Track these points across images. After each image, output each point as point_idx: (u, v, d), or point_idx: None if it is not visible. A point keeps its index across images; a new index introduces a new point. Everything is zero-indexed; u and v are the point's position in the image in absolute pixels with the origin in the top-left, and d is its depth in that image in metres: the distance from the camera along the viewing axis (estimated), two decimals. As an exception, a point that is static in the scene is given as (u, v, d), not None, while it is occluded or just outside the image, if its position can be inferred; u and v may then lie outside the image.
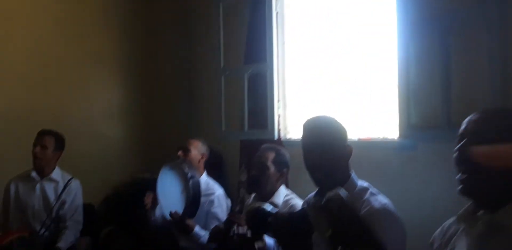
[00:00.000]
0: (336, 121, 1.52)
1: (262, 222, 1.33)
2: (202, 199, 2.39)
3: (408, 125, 2.03)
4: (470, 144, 0.96)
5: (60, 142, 2.73)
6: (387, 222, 1.32)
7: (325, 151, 1.43)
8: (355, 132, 2.44)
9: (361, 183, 1.50)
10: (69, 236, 2.58)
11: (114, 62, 3.68)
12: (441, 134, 1.84)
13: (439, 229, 1.15)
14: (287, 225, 1.25)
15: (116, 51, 3.66)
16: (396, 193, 1.96)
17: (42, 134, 2.69)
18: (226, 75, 3.37)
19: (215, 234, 1.95)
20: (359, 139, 2.38)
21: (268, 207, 1.42)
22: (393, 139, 2.19)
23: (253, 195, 2.25)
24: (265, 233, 1.39)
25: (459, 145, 1.00)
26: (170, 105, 3.84)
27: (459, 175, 0.99)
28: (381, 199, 1.41)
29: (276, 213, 1.38)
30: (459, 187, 0.99)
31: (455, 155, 1.01)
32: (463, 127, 1.03)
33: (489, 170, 0.91)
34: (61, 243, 2.49)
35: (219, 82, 3.37)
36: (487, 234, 0.94)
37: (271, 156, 2.09)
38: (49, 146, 2.65)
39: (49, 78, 3.30)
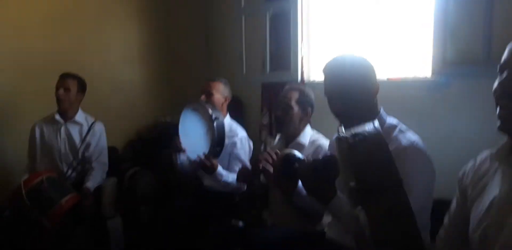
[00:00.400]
0: (359, 58, 1.45)
1: (289, 168, 1.33)
2: (226, 141, 2.40)
3: (443, 61, 1.92)
4: None
5: (82, 85, 2.71)
6: (415, 160, 1.28)
7: (348, 89, 1.39)
8: (384, 72, 2.35)
9: (391, 120, 1.46)
10: (96, 177, 2.63)
11: (132, 5, 3.57)
12: (479, 69, 1.73)
13: (470, 164, 1.09)
14: (312, 171, 1.24)
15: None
16: (428, 133, 1.92)
17: (65, 76, 2.66)
18: (246, 15, 3.22)
19: (243, 172, 2.01)
20: (388, 79, 2.27)
21: (296, 153, 1.41)
22: (425, 77, 2.08)
23: (278, 136, 2.23)
24: (293, 178, 1.38)
25: (502, 78, 0.90)
26: (190, 48, 3.75)
27: (500, 110, 0.90)
28: (410, 136, 1.36)
29: (303, 159, 1.36)
30: (499, 124, 0.90)
31: (495, 88, 0.91)
32: (505, 57, 0.91)
33: None
34: (89, 184, 2.55)
35: (239, 23, 3.23)
36: None
37: (295, 95, 2.05)
38: (72, 88, 2.64)
39: (67, 23, 3.24)
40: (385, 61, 2.42)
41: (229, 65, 3.43)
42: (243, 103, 3.34)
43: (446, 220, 1.15)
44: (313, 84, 2.76)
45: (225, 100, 2.54)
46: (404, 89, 2.14)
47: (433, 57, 2.01)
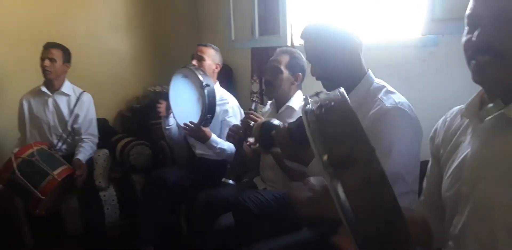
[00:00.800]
0: (332, 23, 1.39)
1: (267, 136, 1.31)
2: (216, 109, 2.37)
3: (431, 19, 1.86)
4: (490, 29, 0.81)
5: (67, 54, 2.65)
6: (398, 122, 1.25)
7: (325, 54, 1.35)
8: (373, 33, 2.29)
9: (377, 81, 1.43)
10: (86, 149, 2.62)
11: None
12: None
13: (440, 122, 1.07)
14: (288, 135, 1.23)
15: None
16: (418, 93, 1.90)
17: (49, 47, 2.60)
18: (233, -23, 3.10)
19: (232, 133, 1.99)
20: (377, 39, 2.22)
21: (272, 121, 1.40)
22: (414, 36, 2.04)
23: (269, 102, 2.20)
24: (271, 146, 1.37)
25: (476, 33, 0.82)
26: (178, 15, 3.65)
27: (476, 64, 0.84)
28: (394, 98, 1.32)
29: (278, 125, 1.36)
30: (473, 75, 0.86)
31: (468, 44, 0.85)
32: (476, 7, 0.84)
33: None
34: (80, 156, 2.54)
35: (226, -14, 3.12)
36: (496, 128, 0.85)
37: (285, 59, 2.01)
38: (57, 58, 2.58)
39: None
40: (374, 22, 2.35)
41: (218, 31, 3.35)
42: (232, 70, 3.29)
43: (424, 181, 1.14)
44: (303, 48, 2.69)
45: (216, 67, 2.49)
46: (393, 49, 2.10)
47: (422, 15, 1.95)
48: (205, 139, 2.20)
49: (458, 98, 1.14)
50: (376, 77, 1.48)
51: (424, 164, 1.77)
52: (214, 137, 2.23)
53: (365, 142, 0.65)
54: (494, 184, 0.83)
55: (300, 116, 1.22)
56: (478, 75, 0.85)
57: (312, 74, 1.42)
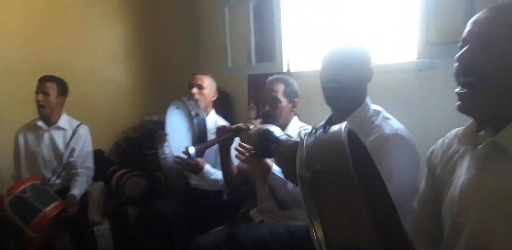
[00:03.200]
0: (355, 47, 1.49)
1: (266, 147, 1.18)
2: (211, 137, 2.32)
3: (426, 42, 1.83)
4: (474, 51, 0.83)
5: (62, 87, 2.63)
6: (398, 148, 1.26)
7: (346, 76, 1.41)
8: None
9: (375, 107, 1.46)
10: (82, 183, 2.57)
11: (115, 3, 3.49)
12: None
13: (439, 143, 1.07)
14: (291, 153, 1.13)
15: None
16: (415, 116, 1.86)
17: (43, 80, 2.59)
18: (230, 6, 3.12)
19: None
20: (374, 63, 2.18)
21: (276, 131, 1.26)
22: (410, 60, 2.01)
23: None
24: (269, 157, 1.29)
25: (460, 53, 0.86)
26: (175, 45, 3.67)
27: (460, 89, 0.86)
28: (393, 124, 1.34)
29: (282, 139, 1.21)
30: (458, 103, 0.87)
31: (455, 65, 0.87)
32: (466, 29, 0.87)
33: (496, 83, 0.80)
34: (75, 191, 2.49)
35: (222, 15, 3.14)
36: (489, 156, 0.84)
37: (281, 87, 1.99)
38: (51, 92, 2.57)
39: (48, 24, 3.18)
40: (370, 46, 2.32)
41: (215, 59, 3.35)
42: (230, 96, 3.26)
43: (415, 204, 1.12)
44: (299, 74, 2.67)
45: (213, 95, 2.49)
46: (390, 73, 2.07)
47: (418, 39, 1.92)
48: (198, 170, 2.16)
49: (455, 122, 1.11)
50: (373, 101, 1.51)
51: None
52: (207, 167, 2.19)
53: (368, 227, 0.56)
54: (490, 215, 0.82)
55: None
56: (461, 103, 0.86)
57: (325, 77, 1.44)
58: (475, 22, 0.85)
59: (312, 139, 0.70)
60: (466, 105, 0.86)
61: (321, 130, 0.71)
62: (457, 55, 0.86)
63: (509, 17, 0.82)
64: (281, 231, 1.77)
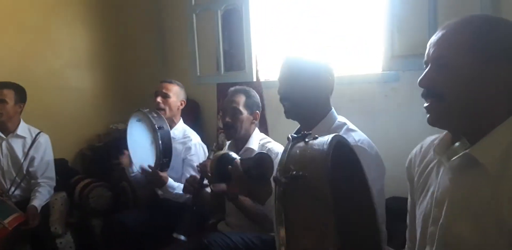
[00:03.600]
0: (311, 58, 1.47)
1: (223, 169, 1.25)
2: (179, 147, 2.32)
3: (391, 55, 1.90)
4: (431, 74, 0.87)
5: (20, 94, 2.53)
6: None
7: (296, 88, 1.42)
8: (335, 68, 2.30)
9: (340, 119, 1.48)
10: (43, 194, 2.47)
11: (79, 6, 3.38)
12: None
13: (415, 151, 1.08)
14: (244, 171, 1.20)
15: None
16: (380, 127, 1.90)
17: (0, 87, 2.48)
18: (197, 13, 3.11)
19: (188, 185, 1.88)
20: (340, 75, 2.22)
21: (231, 154, 1.36)
22: (375, 72, 2.07)
23: (228, 142, 2.14)
24: (228, 180, 1.30)
25: (420, 77, 0.89)
26: (141, 51, 3.60)
27: (427, 105, 0.90)
28: (354, 136, 1.36)
29: (236, 160, 1.31)
30: (427, 116, 0.90)
31: (419, 84, 0.90)
32: (426, 51, 0.91)
33: (454, 101, 0.84)
34: (36, 202, 2.40)
35: (190, 22, 3.12)
36: (463, 168, 0.87)
37: (242, 99, 1.99)
38: (8, 99, 2.47)
39: (8, 27, 3.04)
40: (336, 57, 2.38)
41: (183, 66, 3.32)
42: (199, 105, 3.24)
43: (408, 219, 1.13)
44: (268, 83, 2.69)
45: (181, 104, 2.45)
46: (356, 84, 2.13)
47: (383, 52, 1.99)
48: (161, 184, 2.13)
49: (421, 133, 1.15)
50: (339, 112, 1.53)
51: (395, 200, 1.75)
52: (170, 182, 2.16)
53: (333, 237, 0.56)
54: (461, 225, 0.84)
55: (258, 153, 1.21)
56: (429, 116, 0.89)
57: (279, 92, 1.47)
58: (430, 44, 0.88)
59: (297, 145, 0.71)
60: (433, 119, 0.89)
61: (310, 138, 0.73)
62: (418, 79, 0.90)
63: (458, 37, 0.85)
64: (254, 240, 1.74)
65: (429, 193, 0.95)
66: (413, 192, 1.07)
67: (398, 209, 1.26)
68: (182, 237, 1.80)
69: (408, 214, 1.12)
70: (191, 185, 1.86)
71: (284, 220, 0.58)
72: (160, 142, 1.97)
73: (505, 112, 0.84)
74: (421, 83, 0.88)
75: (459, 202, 0.85)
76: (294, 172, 0.62)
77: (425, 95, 0.89)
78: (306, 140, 0.71)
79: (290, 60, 1.48)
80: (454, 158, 0.87)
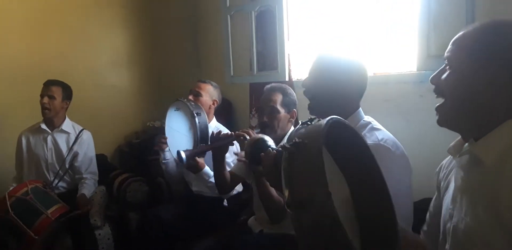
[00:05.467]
0: (339, 56, 1.42)
1: (257, 154, 1.23)
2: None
3: (427, 55, 1.88)
4: (440, 73, 0.92)
5: (67, 91, 2.67)
6: (380, 158, 1.17)
7: (317, 84, 1.39)
8: (370, 67, 2.29)
9: (366, 118, 1.42)
10: (90, 185, 2.63)
11: (118, 8, 3.52)
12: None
13: (446, 158, 1.11)
14: (274, 162, 1.20)
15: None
16: (414, 126, 1.88)
17: (49, 84, 2.63)
18: (232, 14, 3.17)
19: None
20: (374, 74, 2.22)
21: (268, 140, 1.30)
22: (411, 72, 2.04)
23: None
24: (258, 165, 1.31)
25: (433, 74, 0.94)
26: (178, 51, 3.70)
27: (438, 105, 0.94)
28: (378, 135, 1.31)
29: (270, 148, 1.26)
30: (437, 117, 0.94)
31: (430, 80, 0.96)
32: (447, 49, 0.93)
33: (462, 97, 0.87)
34: (85, 191, 2.56)
35: (225, 23, 3.18)
36: (468, 166, 0.91)
37: (279, 97, 1.96)
38: (56, 95, 2.61)
39: (51, 28, 3.20)
40: (371, 56, 2.37)
41: (217, 67, 3.39)
42: (232, 105, 3.30)
43: (427, 214, 1.16)
44: (300, 83, 2.70)
45: (213, 103, 2.49)
46: (390, 84, 2.10)
47: (418, 51, 1.97)
48: (197, 169, 2.10)
49: (455, 134, 1.13)
50: (373, 112, 1.49)
51: (428, 201, 1.72)
52: (207, 169, 2.15)
53: (323, 186, 0.68)
54: (470, 221, 0.87)
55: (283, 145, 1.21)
56: (438, 117, 0.94)
57: (303, 84, 1.44)
58: (450, 43, 0.92)
59: (304, 125, 0.85)
60: (440, 120, 0.93)
61: (316, 120, 0.85)
62: (432, 75, 0.95)
63: (465, 41, 0.88)
64: (282, 241, 1.72)
65: (448, 192, 0.99)
66: (438, 195, 1.10)
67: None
68: (183, 156, 1.77)
69: (428, 212, 1.15)
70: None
71: (287, 175, 0.74)
72: (197, 127, 1.97)
73: (505, 114, 0.86)
74: (430, 80, 0.94)
75: (467, 199, 0.89)
76: (296, 140, 0.77)
77: (435, 92, 0.93)
78: (312, 122, 0.84)
79: (322, 56, 1.45)
80: (458, 156, 0.93)
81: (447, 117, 0.92)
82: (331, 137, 0.84)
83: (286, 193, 0.72)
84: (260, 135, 1.37)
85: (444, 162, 1.11)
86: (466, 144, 0.93)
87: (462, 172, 0.93)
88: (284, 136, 1.97)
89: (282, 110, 1.94)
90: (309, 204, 0.68)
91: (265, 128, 1.96)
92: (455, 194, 0.94)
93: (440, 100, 0.92)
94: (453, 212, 0.93)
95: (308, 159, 0.72)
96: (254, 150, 1.28)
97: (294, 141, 0.76)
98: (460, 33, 0.90)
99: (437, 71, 0.93)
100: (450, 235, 0.93)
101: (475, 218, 0.85)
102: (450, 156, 1.08)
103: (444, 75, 0.90)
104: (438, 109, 0.93)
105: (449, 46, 0.91)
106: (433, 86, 1.90)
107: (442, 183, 1.08)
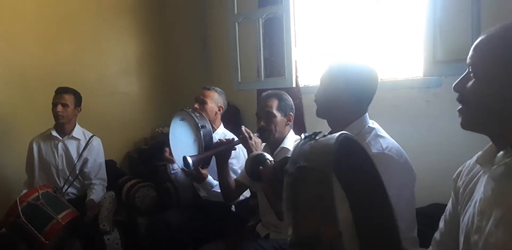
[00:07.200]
0: (350, 64, 1.45)
1: (256, 168, 1.30)
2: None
3: (433, 60, 1.88)
4: (463, 79, 0.89)
5: (78, 99, 2.72)
6: (384, 167, 1.19)
7: (327, 94, 1.43)
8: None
9: (371, 124, 1.44)
10: (98, 191, 2.66)
11: (128, 16, 3.58)
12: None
13: (466, 164, 1.06)
14: (273, 173, 1.23)
15: (131, 4, 3.56)
16: (421, 132, 1.87)
17: (61, 92, 2.66)
18: (239, 22, 3.21)
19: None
20: (381, 79, 2.23)
21: (265, 155, 1.37)
22: (417, 77, 2.05)
23: (263, 145, 2.19)
24: (259, 180, 1.34)
25: (456, 81, 0.90)
26: (186, 58, 3.75)
27: (460, 108, 0.90)
28: (382, 143, 1.33)
29: (267, 161, 1.32)
30: (461, 121, 0.90)
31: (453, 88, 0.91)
32: (469, 55, 0.89)
33: (491, 107, 0.83)
34: (93, 196, 2.59)
35: (233, 30, 3.22)
36: (503, 178, 0.84)
37: (275, 102, 2.04)
38: (69, 103, 2.64)
39: (62, 36, 3.25)
40: (378, 62, 2.38)
41: (225, 73, 3.42)
42: (240, 111, 3.32)
43: (441, 222, 1.12)
44: (307, 89, 2.73)
45: (219, 109, 2.51)
46: (397, 89, 2.11)
47: (424, 57, 1.98)
48: (200, 179, 2.14)
49: (462, 139, 1.13)
50: (381, 117, 1.51)
51: (436, 206, 1.72)
52: (210, 179, 2.18)
53: (334, 222, 0.60)
54: (500, 235, 0.82)
55: (286, 156, 1.22)
56: (461, 120, 0.91)
57: (316, 96, 1.49)
58: (471, 49, 0.88)
59: (308, 142, 0.75)
60: (464, 123, 0.90)
61: (320, 134, 0.76)
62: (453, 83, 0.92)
63: (489, 46, 0.84)
64: (284, 247, 1.75)
65: (473, 203, 0.93)
66: (456, 202, 1.05)
67: (438, 215, 1.20)
68: (190, 161, 1.79)
69: (442, 219, 1.11)
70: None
71: (291, 206, 0.65)
72: (202, 139, 2.00)
73: None
74: (453, 88, 0.90)
75: (500, 212, 0.84)
76: (302, 163, 0.67)
77: (458, 100, 0.90)
78: (317, 137, 0.74)
79: (335, 64, 1.48)
80: (494, 167, 0.86)
81: (470, 122, 0.88)
82: (339, 159, 0.73)
83: (290, 228, 0.63)
84: (258, 151, 1.48)
85: (462, 168, 1.07)
86: (501, 153, 0.86)
87: (493, 182, 0.87)
88: (283, 139, 2.06)
89: (278, 115, 2.02)
90: (316, 244, 0.61)
91: (264, 132, 2.03)
92: (484, 205, 0.88)
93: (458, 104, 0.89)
94: (481, 224, 0.88)
95: (315, 189, 0.63)
96: (254, 165, 1.34)
97: (298, 165, 0.67)
98: (482, 38, 0.86)
99: (460, 79, 0.89)
100: (479, 247, 0.88)
101: (508, 232, 0.81)
102: (468, 161, 1.05)
103: (470, 84, 0.85)
104: (461, 112, 0.89)
105: (471, 52, 0.87)
106: (438, 91, 1.91)
107: (461, 191, 1.02)
